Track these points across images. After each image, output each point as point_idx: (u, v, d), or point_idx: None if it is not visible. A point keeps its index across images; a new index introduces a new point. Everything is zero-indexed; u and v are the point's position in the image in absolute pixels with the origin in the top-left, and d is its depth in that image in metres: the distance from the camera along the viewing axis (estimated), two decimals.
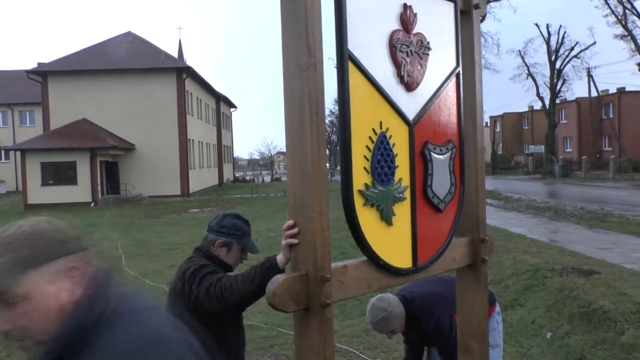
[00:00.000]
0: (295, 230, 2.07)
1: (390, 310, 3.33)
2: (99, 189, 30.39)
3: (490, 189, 27.13)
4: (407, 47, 2.44)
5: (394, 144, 2.37)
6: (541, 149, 49.10)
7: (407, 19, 2.44)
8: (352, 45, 2.17)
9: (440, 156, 2.64)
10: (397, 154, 2.38)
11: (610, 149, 46.77)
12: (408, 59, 2.44)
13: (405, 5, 2.43)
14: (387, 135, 2.34)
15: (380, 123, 2.32)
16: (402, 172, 2.41)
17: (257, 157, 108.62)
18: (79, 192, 29.63)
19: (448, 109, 2.72)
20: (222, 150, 47.90)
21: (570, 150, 52.15)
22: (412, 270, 2.42)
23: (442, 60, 2.65)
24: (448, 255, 2.63)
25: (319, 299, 2.02)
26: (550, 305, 6.57)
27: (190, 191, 34.15)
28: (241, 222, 2.72)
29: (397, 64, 2.39)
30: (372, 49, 2.29)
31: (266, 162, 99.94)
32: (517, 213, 17.27)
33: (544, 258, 8.54)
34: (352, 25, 2.17)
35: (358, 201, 2.20)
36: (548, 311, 6.46)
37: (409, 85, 2.46)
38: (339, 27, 2.14)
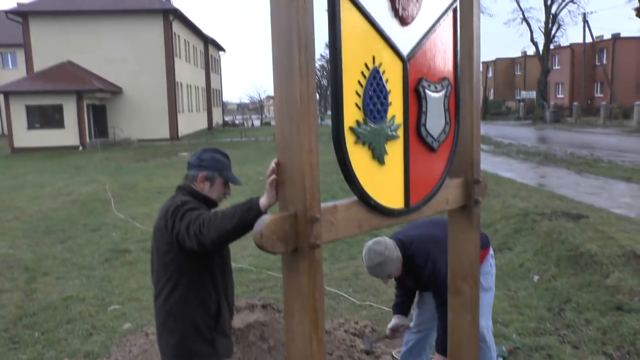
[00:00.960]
0: (276, 166, 2.00)
1: (387, 254, 3.26)
2: (87, 132, 30.02)
3: (481, 134, 26.91)
4: None
5: (387, 80, 2.25)
6: (533, 94, 48.89)
7: None
8: None
9: (435, 94, 2.53)
10: (390, 91, 2.27)
11: (601, 95, 46.61)
12: None
13: None
14: (380, 70, 2.23)
15: (373, 58, 2.20)
16: (395, 110, 2.31)
17: (247, 102, 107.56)
18: (67, 135, 29.25)
19: (444, 45, 2.59)
20: (211, 94, 47.29)
21: (562, 96, 51.94)
22: (404, 211, 2.36)
23: None
24: (441, 196, 2.57)
25: (308, 240, 1.96)
26: (538, 249, 6.63)
27: (179, 135, 33.89)
28: (221, 155, 2.64)
29: None
30: None
31: (256, 107, 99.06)
32: (507, 158, 17.30)
33: (533, 202, 8.57)
34: None
35: (349, 139, 2.10)
36: (536, 255, 6.52)
37: (404, 19, 2.32)
38: None
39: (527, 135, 28.09)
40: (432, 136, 2.47)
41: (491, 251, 3.71)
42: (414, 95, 2.42)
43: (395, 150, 2.30)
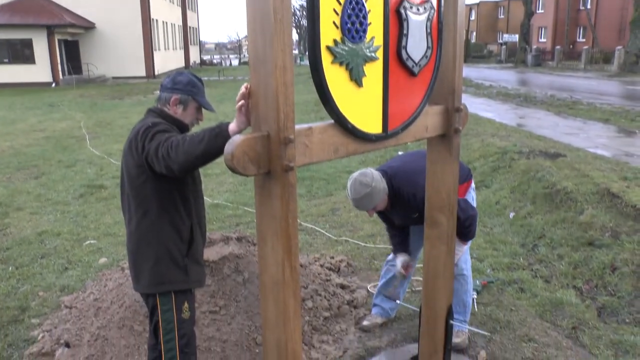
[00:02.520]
0: (247, 90, 1.90)
1: (374, 185, 3.17)
2: (60, 68, 29.07)
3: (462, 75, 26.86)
4: None
5: None
6: (515, 38, 48.44)
7: None
8: None
9: (417, 16, 2.41)
10: (370, 10, 2.15)
11: (584, 40, 46.36)
12: None
13: None
14: None
15: None
16: (375, 30, 2.20)
17: (225, 42, 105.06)
18: (38, 71, 28.32)
19: None
20: (188, 32, 45.96)
21: (545, 40, 51.55)
22: (382, 136, 2.28)
23: None
24: (420, 122, 2.49)
25: (281, 162, 1.88)
26: (515, 186, 6.67)
27: (156, 73, 33.05)
28: (196, 79, 2.52)
29: None
30: None
31: (234, 46, 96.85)
32: (487, 99, 17.24)
33: (512, 141, 8.58)
34: None
35: (326, 58, 2.00)
36: (512, 192, 6.57)
37: None
38: None
39: (508, 77, 27.98)
40: (412, 60, 2.37)
41: (473, 184, 3.68)
42: (395, 16, 2.30)
43: (374, 73, 2.20)
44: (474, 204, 3.66)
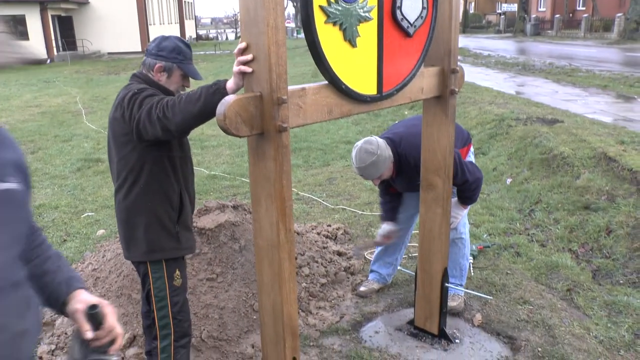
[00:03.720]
0: (249, 56, 1.85)
1: (379, 153, 3.09)
2: (54, 44, 28.76)
3: (460, 46, 26.60)
4: None
5: None
6: (514, 8, 47.77)
7: None
8: None
9: None
10: None
11: (584, 8, 45.79)
12: None
13: None
14: None
15: None
16: None
17: (221, 17, 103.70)
18: (32, 48, 27.99)
19: None
20: (183, 6, 45.35)
21: (544, 9, 50.89)
22: (377, 97, 2.27)
23: None
24: (415, 84, 2.48)
25: (275, 123, 1.87)
26: (512, 152, 6.66)
27: None
28: (183, 45, 2.44)
29: None
30: None
31: (230, 21, 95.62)
32: (485, 68, 17.09)
33: (509, 108, 8.54)
34: None
35: (319, 18, 1.98)
36: (510, 158, 6.56)
37: None
38: None
39: (507, 47, 27.70)
40: (407, 20, 2.34)
41: (472, 149, 3.66)
42: None
43: (368, 33, 2.18)
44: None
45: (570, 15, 44.38)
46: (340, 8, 2.04)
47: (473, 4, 63.17)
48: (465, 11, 52.20)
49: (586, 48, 24.98)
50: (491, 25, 52.52)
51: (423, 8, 2.42)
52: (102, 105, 13.04)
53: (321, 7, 1.98)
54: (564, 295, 3.72)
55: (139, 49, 31.86)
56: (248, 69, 1.87)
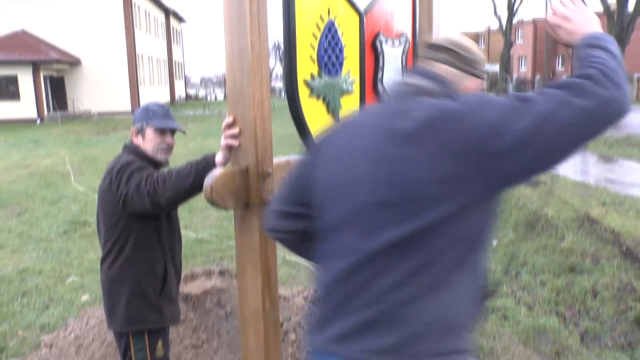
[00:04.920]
0: (236, 130, 1.91)
1: None
2: (45, 105, 29.03)
3: None
4: None
5: (342, 33, 2.21)
6: (497, 68, 49.32)
7: None
8: None
9: (393, 49, 2.50)
10: (346, 44, 2.23)
11: (563, 69, 47.45)
12: None
13: None
14: (336, 23, 2.18)
15: (329, 10, 2.15)
16: (351, 64, 2.27)
17: (211, 76, 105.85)
18: (23, 108, 28.25)
19: (402, 1, 2.55)
20: (173, 66, 46.29)
21: (525, 70, 52.66)
22: None
23: None
24: None
25: (260, 195, 1.91)
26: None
27: None
28: (152, 105, 2.49)
29: None
30: None
31: (219, 81, 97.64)
32: None
33: None
34: None
35: (303, 92, 2.06)
36: None
37: None
38: None
39: None
40: (388, 92, 2.43)
41: None
42: (371, 49, 2.38)
43: (350, 105, 2.26)
44: None
45: (551, 75, 45.84)
46: (323, 82, 2.13)
47: None
48: None
49: None
50: None
51: None
52: (90, 167, 13.07)
53: (305, 82, 2.07)
54: (552, 359, 3.69)
55: (129, 109, 32.18)
56: (235, 143, 1.92)
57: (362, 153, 1.36)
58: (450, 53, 1.45)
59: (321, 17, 2.12)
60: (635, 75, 31.72)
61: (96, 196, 7.78)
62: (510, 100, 1.27)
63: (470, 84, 1.47)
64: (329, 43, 2.15)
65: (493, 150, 1.23)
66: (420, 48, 2.61)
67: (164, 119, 2.45)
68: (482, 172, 1.26)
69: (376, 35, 2.39)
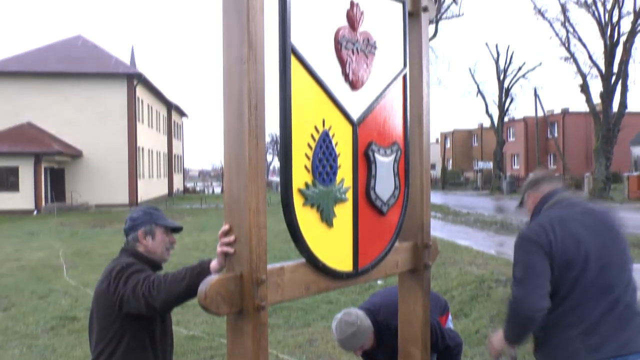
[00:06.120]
0: (232, 238, 1.96)
1: (359, 324, 3.17)
2: (43, 196, 29.21)
3: (440, 203, 27.56)
4: (352, 45, 2.38)
5: (336, 143, 2.30)
6: (490, 165, 50.35)
7: (353, 16, 2.39)
8: (296, 39, 2.10)
9: (385, 158, 2.59)
10: (339, 154, 2.32)
11: (555, 166, 48.45)
12: (354, 57, 2.39)
13: (352, 2, 2.38)
14: (330, 133, 2.28)
15: (323, 121, 2.26)
16: (345, 173, 2.35)
17: (209, 169, 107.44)
18: (21, 199, 28.41)
19: (394, 111, 2.68)
20: (173, 160, 47.07)
21: (518, 167, 53.78)
22: (353, 274, 2.35)
23: (388, 61, 2.61)
24: (390, 259, 2.58)
25: (254, 302, 1.92)
26: (494, 315, 6.64)
27: (139, 200, 33.24)
28: (150, 209, 2.62)
29: (342, 62, 2.34)
30: (316, 44, 2.22)
31: (217, 174, 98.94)
32: (465, 226, 17.56)
33: (489, 269, 8.67)
34: (296, 18, 2.11)
35: (297, 200, 2.12)
36: (492, 321, 6.53)
37: (354, 84, 2.41)
38: (282, 19, 2.07)
39: (485, 204, 28.69)
40: (381, 200, 2.51)
41: (450, 317, 3.71)
42: (364, 159, 2.46)
43: (344, 213, 2.32)
44: None
45: None
46: (317, 191, 2.20)
47: (451, 160, 66.55)
48: (444, 168, 54.79)
49: None
50: (469, 182, 54.82)
51: (395, 187, 2.60)
52: (84, 260, 12.95)
53: (300, 191, 2.14)
54: None
55: (127, 202, 32.34)
56: (230, 250, 1.96)
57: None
58: None
59: (316, 127, 2.22)
60: (625, 174, 32.37)
61: (88, 290, 7.73)
62: None
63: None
64: (324, 153, 2.24)
65: None
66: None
67: (168, 219, 2.56)
68: None
69: (369, 145, 2.48)
